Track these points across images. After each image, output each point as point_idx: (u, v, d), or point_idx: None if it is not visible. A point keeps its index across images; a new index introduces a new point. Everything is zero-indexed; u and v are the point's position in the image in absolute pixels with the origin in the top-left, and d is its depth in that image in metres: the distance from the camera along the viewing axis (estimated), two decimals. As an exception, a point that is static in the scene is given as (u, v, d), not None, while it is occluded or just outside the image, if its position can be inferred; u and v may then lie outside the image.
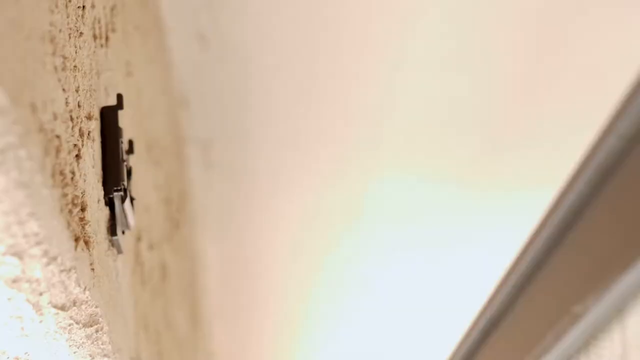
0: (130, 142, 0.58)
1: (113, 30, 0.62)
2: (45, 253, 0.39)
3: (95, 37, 0.54)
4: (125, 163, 0.54)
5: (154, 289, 0.73)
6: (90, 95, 0.51)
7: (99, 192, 0.50)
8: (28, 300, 0.40)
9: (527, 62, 1.02)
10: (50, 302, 0.42)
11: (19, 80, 0.34)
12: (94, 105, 0.51)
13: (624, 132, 0.29)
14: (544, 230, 0.37)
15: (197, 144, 1.09)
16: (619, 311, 0.32)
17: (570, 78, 1.04)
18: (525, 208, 1.15)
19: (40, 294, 0.41)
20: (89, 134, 0.49)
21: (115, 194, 0.51)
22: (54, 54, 0.41)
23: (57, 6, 0.43)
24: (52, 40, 0.41)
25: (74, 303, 0.44)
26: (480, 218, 1.27)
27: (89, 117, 0.49)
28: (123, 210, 0.52)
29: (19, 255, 0.37)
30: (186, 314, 0.99)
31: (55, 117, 0.40)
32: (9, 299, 0.40)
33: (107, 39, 0.59)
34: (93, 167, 0.49)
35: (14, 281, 0.39)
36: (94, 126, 0.51)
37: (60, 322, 0.44)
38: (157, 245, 0.76)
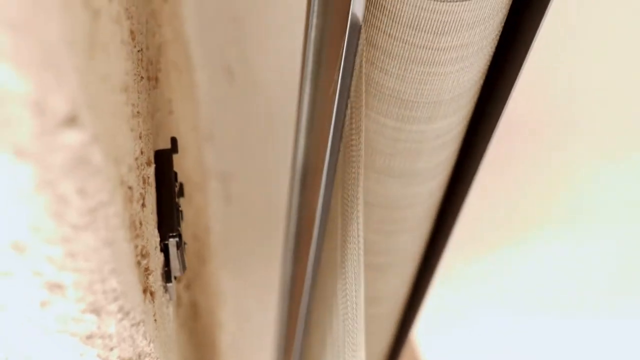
0: (181, 185, 0.57)
1: (159, 70, 0.61)
2: (121, 308, 0.38)
3: (149, 79, 0.54)
4: (178, 207, 0.53)
5: (190, 330, 0.72)
6: (148, 139, 0.50)
7: (156, 238, 0.49)
8: (99, 356, 0.39)
9: None
10: (119, 357, 0.41)
11: (108, 135, 0.34)
12: (150, 149, 0.51)
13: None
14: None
15: (218, 177, 1.08)
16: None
17: None
18: None
19: (111, 349, 0.40)
20: (148, 180, 0.48)
21: (170, 240, 0.51)
22: (126, 102, 0.41)
23: (127, 53, 0.42)
24: (127, 89, 0.40)
25: (139, 356, 0.43)
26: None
27: (148, 163, 0.49)
28: (177, 255, 0.52)
29: (97, 312, 0.37)
30: (209, 351, 0.97)
31: (129, 168, 0.40)
32: (81, 355, 0.39)
33: (157, 80, 0.58)
34: (152, 213, 0.48)
35: (88, 337, 0.38)
36: (152, 171, 0.50)
37: (126, 376, 0.42)
38: (191, 284, 0.75)
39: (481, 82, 0.55)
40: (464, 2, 0.45)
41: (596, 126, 1.08)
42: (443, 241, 0.72)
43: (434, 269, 0.77)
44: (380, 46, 0.49)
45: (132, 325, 0.40)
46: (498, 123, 0.57)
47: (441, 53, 0.48)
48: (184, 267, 0.53)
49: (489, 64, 0.54)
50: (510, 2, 0.49)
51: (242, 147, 1.07)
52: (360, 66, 0.49)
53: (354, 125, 0.52)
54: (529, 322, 1.42)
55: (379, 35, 0.48)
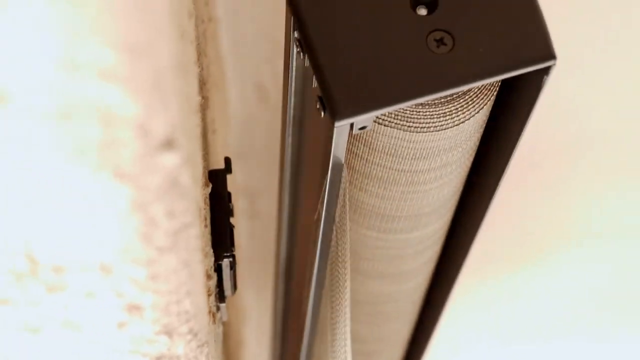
0: (232, 206, 0.57)
1: (208, 90, 0.61)
2: (191, 330, 0.38)
3: (204, 98, 0.54)
4: (232, 227, 0.53)
5: (225, 349, 0.72)
6: (205, 160, 0.50)
7: (212, 259, 0.49)
8: (166, 377, 0.39)
9: None
10: (183, 378, 0.40)
11: (192, 157, 0.34)
12: (206, 169, 0.51)
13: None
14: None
15: (246, 195, 1.08)
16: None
17: None
18: None
19: (178, 371, 0.40)
20: (206, 201, 0.48)
21: (224, 260, 0.50)
22: (198, 124, 0.41)
23: (197, 74, 0.42)
24: (198, 110, 0.41)
25: (201, 377, 0.43)
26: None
27: (206, 184, 0.49)
28: (230, 276, 0.51)
29: (169, 333, 0.36)
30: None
31: (201, 189, 0.40)
32: (149, 375, 0.39)
33: (207, 99, 0.58)
34: (209, 234, 0.48)
35: (158, 358, 0.38)
36: (208, 192, 0.50)
37: (187, 397, 0.42)
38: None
39: (462, 188, 0.54)
40: (439, 132, 0.45)
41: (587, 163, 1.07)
42: (432, 322, 0.73)
43: (426, 343, 0.78)
44: (359, 170, 0.49)
45: (198, 346, 0.40)
46: (486, 213, 0.56)
47: (420, 174, 0.48)
48: (235, 287, 0.53)
49: (469, 171, 0.53)
50: (487, 120, 0.48)
51: (270, 165, 1.07)
52: (344, 203, 0.48)
53: (339, 248, 0.51)
54: (528, 350, 1.41)
55: (356, 160, 0.48)
